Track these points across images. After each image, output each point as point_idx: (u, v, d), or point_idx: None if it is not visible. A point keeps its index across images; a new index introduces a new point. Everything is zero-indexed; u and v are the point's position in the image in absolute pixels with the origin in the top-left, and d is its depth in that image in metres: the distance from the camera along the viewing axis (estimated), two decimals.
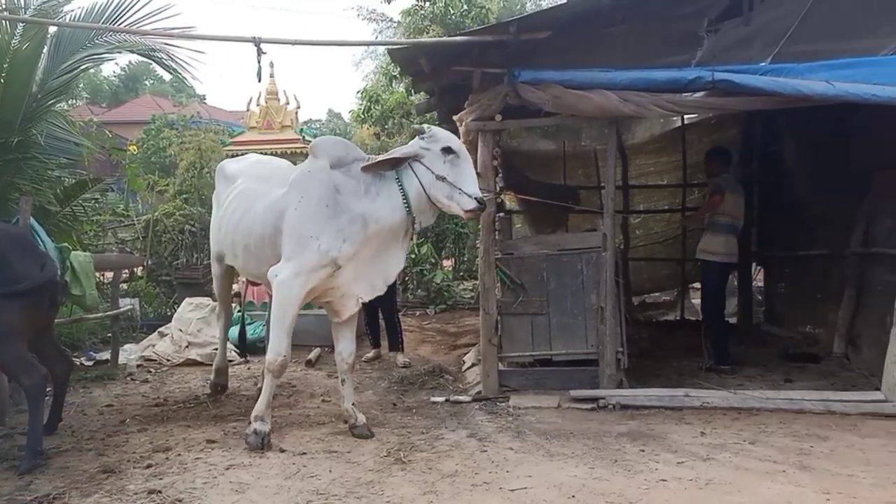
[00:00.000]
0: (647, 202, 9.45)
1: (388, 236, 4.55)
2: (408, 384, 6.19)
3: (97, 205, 8.53)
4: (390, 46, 6.15)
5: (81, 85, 26.53)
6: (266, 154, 7.26)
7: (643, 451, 4.27)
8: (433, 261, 11.36)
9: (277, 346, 4.46)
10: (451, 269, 12.58)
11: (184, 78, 6.87)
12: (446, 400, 5.57)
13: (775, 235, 8.40)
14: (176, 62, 6.45)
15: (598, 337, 5.53)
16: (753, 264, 8.91)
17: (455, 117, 5.88)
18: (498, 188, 5.76)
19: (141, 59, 12.75)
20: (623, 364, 5.56)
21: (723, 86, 4.97)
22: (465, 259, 12.64)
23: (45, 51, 6.15)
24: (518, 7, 17.26)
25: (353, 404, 4.79)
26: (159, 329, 7.89)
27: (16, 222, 4.84)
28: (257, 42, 4.85)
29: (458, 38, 5.41)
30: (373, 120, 14.01)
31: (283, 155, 8.68)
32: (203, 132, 12.87)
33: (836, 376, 6.05)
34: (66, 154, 6.79)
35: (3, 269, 4.07)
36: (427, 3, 13.67)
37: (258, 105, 10.31)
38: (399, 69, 9.26)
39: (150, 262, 9.76)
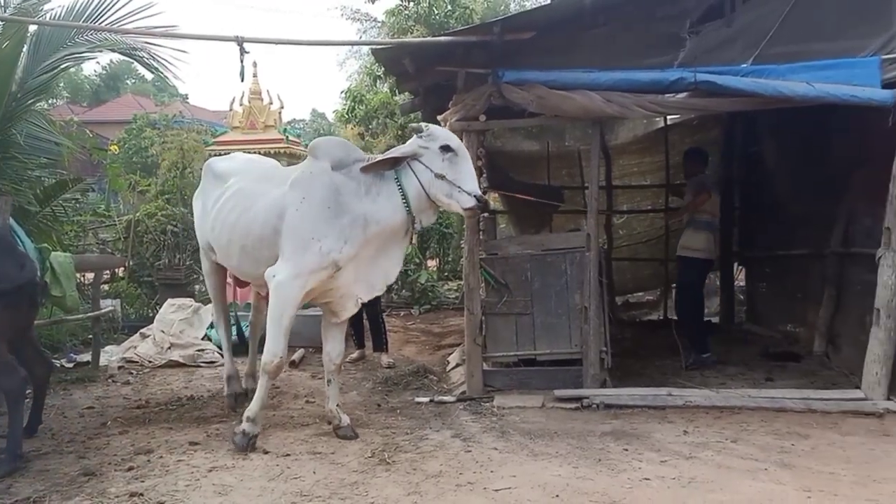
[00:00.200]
0: (631, 202, 9.52)
1: (389, 236, 4.53)
2: (392, 385, 6.18)
3: (78, 205, 8.47)
4: (374, 46, 6.14)
5: (62, 84, 26.30)
6: (250, 154, 7.21)
7: (627, 450, 4.30)
8: (418, 261, 11.37)
9: (274, 348, 4.41)
10: (435, 269, 12.58)
11: (166, 77, 6.84)
12: (431, 400, 5.57)
13: (757, 235, 8.49)
14: (158, 61, 6.42)
15: (582, 337, 5.55)
16: (735, 264, 8.98)
17: (439, 117, 5.88)
18: (482, 188, 5.76)
19: (122, 58, 12.65)
20: (607, 364, 5.59)
21: (705, 87, 5.01)
22: (450, 259, 12.65)
23: (24, 49, 6.10)
24: (502, 8, 17.29)
25: (337, 405, 4.78)
26: (141, 330, 7.83)
27: None
28: (240, 41, 4.82)
29: (442, 39, 5.41)
30: (357, 120, 13.99)
31: (266, 155, 8.63)
32: (185, 132, 12.78)
33: (816, 375, 6.11)
34: (47, 154, 6.73)
35: None
36: (411, 4, 13.68)
37: (241, 105, 10.26)
38: (383, 69, 9.27)
39: (131, 263, 9.69)
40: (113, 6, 6.11)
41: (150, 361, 7.16)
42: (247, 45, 4.85)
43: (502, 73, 5.29)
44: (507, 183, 7.80)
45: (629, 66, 5.22)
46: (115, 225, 10.19)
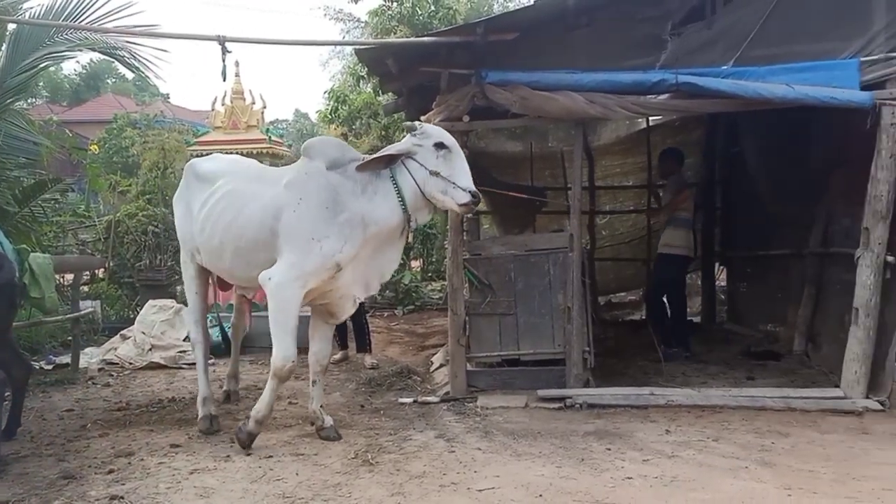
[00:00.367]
0: (613, 203, 9.58)
1: (386, 236, 4.51)
2: (376, 385, 6.17)
3: (57, 205, 8.40)
4: (357, 47, 6.13)
5: (41, 83, 25.95)
6: (230, 154, 7.15)
7: (609, 449, 4.32)
8: (401, 261, 11.33)
9: (284, 351, 4.37)
10: (419, 269, 12.57)
11: (147, 76, 6.81)
12: (414, 401, 5.56)
13: (738, 235, 8.57)
14: (138, 60, 6.38)
15: (565, 337, 5.57)
16: (717, 264, 9.06)
17: (423, 118, 5.87)
18: None
19: (103, 57, 12.54)
20: (590, 363, 5.61)
21: (686, 88, 5.04)
22: (434, 260, 12.64)
23: (3, 48, 6.03)
24: (485, 8, 17.29)
25: (321, 406, 4.76)
26: (121, 332, 7.76)
27: None
28: (222, 41, 4.79)
29: (425, 39, 5.41)
30: (340, 120, 13.94)
31: (249, 155, 8.57)
32: (167, 132, 12.68)
33: (796, 373, 6.17)
34: (25, 154, 6.67)
35: None
36: (394, 4, 13.64)
37: (223, 105, 10.19)
38: (366, 69, 9.24)
39: (111, 264, 9.61)
40: (93, 5, 6.07)
41: (130, 363, 7.10)
42: (229, 45, 4.84)
43: (486, 73, 5.30)
44: (491, 183, 7.81)
45: (612, 67, 5.24)
46: (95, 225, 10.10)
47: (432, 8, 13.51)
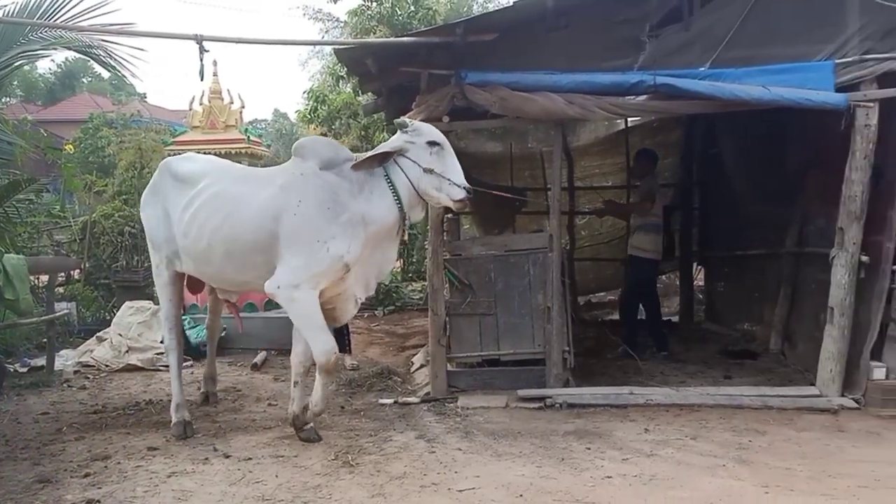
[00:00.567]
0: (593, 203, 9.60)
1: (384, 235, 4.50)
2: (356, 386, 6.15)
3: (31, 206, 8.27)
4: (337, 46, 6.09)
5: (15, 82, 25.61)
6: (209, 154, 7.09)
7: (589, 448, 4.34)
8: None
9: (322, 346, 4.36)
10: (399, 270, 12.55)
11: (123, 75, 6.73)
12: (395, 402, 5.55)
13: (715, 235, 8.64)
14: (115, 59, 6.31)
15: (545, 337, 5.59)
16: (694, 264, 9.14)
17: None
18: None
19: (78, 56, 12.38)
20: (569, 363, 5.64)
21: (664, 89, 5.08)
22: (414, 260, 12.63)
23: None
24: (465, 9, 17.30)
25: (303, 408, 4.73)
26: (98, 334, 7.67)
27: None
28: (199, 40, 4.74)
29: (405, 39, 5.40)
30: (320, 120, 13.86)
31: (227, 155, 8.51)
32: (144, 131, 12.56)
33: (773, 372, 6.24)
34: None
35: None
36: (374, 4, 13.60)
37: (201, 104, 10.10)
38: (346, 69, 9.21)
39: (87, 265, 9.48)
40: (68, 3, 5.99)
41: (107, 365, 7.02)
42: (206, 44, 4.78)
43: (465, 74, 5.31)
44: (474, 183, 7.82)
45: (591, 68, 5.27)
46: (71, 226, 9.96)
47: (412, 8, 13.49)
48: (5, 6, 6.36)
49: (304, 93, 14.94)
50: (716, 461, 4.09)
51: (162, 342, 7.29)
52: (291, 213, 4.32)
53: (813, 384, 5.30)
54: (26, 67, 22.48)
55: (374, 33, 12.98)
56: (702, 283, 9.46)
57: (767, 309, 7.19)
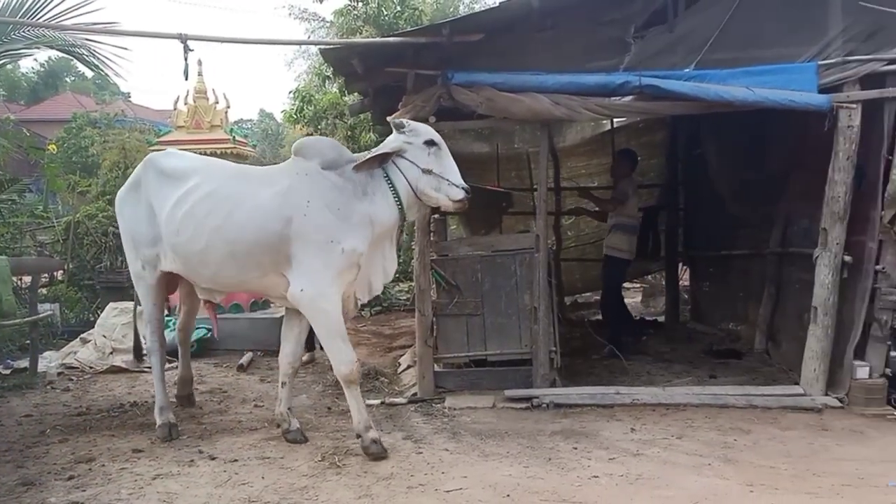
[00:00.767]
0: (579, 204, 9.63)
1: (385, 235, 4.48)
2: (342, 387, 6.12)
3: (14, 206, 8.21)
4: (323, 46, 6.07)
5: None
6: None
7: (576, 448, 4.35)
8: None
9: (344, 356, 4.30)
10: None
11: (106, 75, 6.68)
12: (382, 402, 5.55)
13: (700, 236, 8.69)
14: (98, 58, 6.27)
15: (532, 337, 5.61)
16: (680, 264, 9.18)
17: (389, 119, 5.85)
18: None
19: (61, 55, 12.29)
20: (556, 363, 5.65)
21: (649, 91, 5.10)
22: (401, 260, 12.54)
23: None
24: (451, 9, 17.32)
25: (288, 409, 4.71)
26: (81, 335, 7.61)
27: None
28: (184, 39, 4.71)
29: (391, 39, 5.39)
30: (306, 120, 13.82)
31: (212, 155, 8.47)
32: (128, 131, 12.49)
33: (757, 371, 6.28)
34: None
35: None
36: (360, 4, 13.57)
37: (186, 104, 10.04)
38: (332, 70, 9.17)
39: (71, 266, 9.40)
40: (51, 1, 5.94)
41: (91, 367, 6.96)
42: (191, 43, 4.75)
43: (452, 74, 5.31)
44: None
45: (576, 69, 5.29)
46: (54, 227, 9.88)
47: (398, 8, 13.48)
48: None
49: (290, 93, 14.89)
50: (701, 460, 4.11)
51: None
52: (301, 214, 4.25)
53: (797, 383, 5.34)
54: (9, 67, 22.27)
55: (361, 33, 12.96)
56: (687, 282, 9.51)
57: (752, 309, 7.25)
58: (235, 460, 4.23)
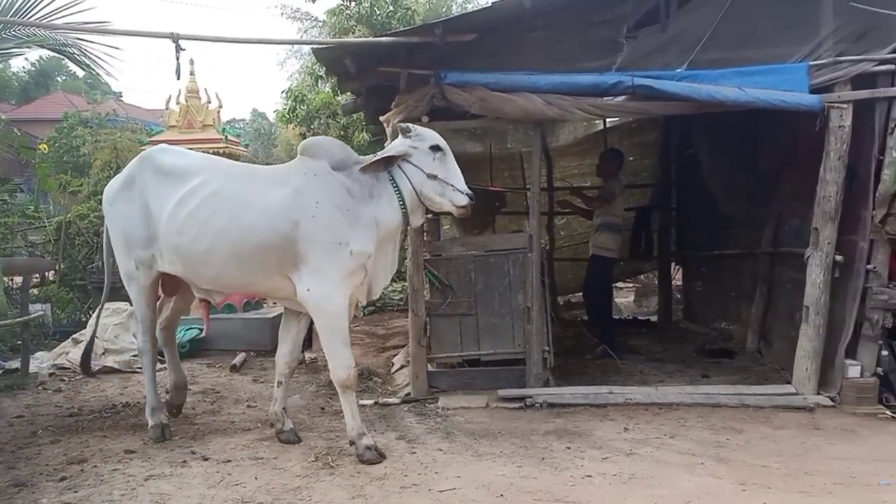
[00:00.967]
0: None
1: (388, 238, 4.47)
2: (335, 387, 6.11)
3: (5, 206, 8.16)
4: (315, 46, 6.06)
5: None
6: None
7: (569, 448, 4.36)
8: None
9: (343, 361, 4.27)
10: None
11: (98, 74, 6.65)
12: (375, 402, 5.55)
13: (693, 235, 8.72)
14: (89, 58, 6.24)
15: (525, 336, 5.61)
16: (673, 263, 9.21)
17: (382, 118, 5.86)
18: None
19: (53, 54, 12.23)
20: (549, 363, 5.66)
21: (642, 91, 5.11)
22: None
23: None
24: (444, 9, 17.31)
25: (283, 409, 4.70)
26: (73, 336, 7.57)
27: None
28: (175, 38, 4.69)
29: (384, 39, 5.38)
30: (298, 120, 13.80)
31: None
32: (119, 131, 12.43)
33: (749, 371, 6.31)
34: None
35: None
36: (352, 4, 13.57)
37: (178, 103, 10.03)
38: (324, 69, 9.17)
39: (62, 266, 9.36)
40: (42, 0, 5.91)
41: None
42: (183, 43, 4.73)
43: (444, 74, 5.31)
44: None
45: (569, 69, 5.29)
46: (45, 227, 9.82)
47: (391, 8, 13.48)
48: None
49: (282, 92, 14.87)
50: (694, 459, 4.12)
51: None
52: (310, 215, 4.21)
53: (789, 382, 5.37)
54: None
55: (353, 33, 12.96)
56: (680, 282, 9.53)
57: (744, 308, 7.27)
58: (228, 461, 4.22)
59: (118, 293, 8.81)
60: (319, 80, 13.92)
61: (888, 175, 4.94)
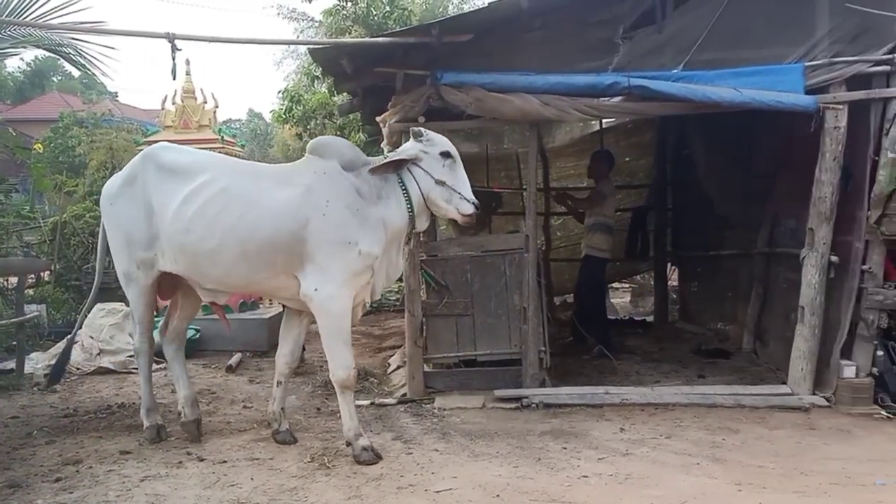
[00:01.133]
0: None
1: (394, 240, 4.46)
2: (332, 388, 6.06)
3: (0, 207, 8.13)
4: (312, 46, 6.05)
5: None
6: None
7: (565, 448, 4.36)
8: None
9: (343, 361, 4.26)
10: None
11: (93, 74, 6.65)
12: (371, 403, 5.54)
13: (689, 236, 8.74)
14: (85, 58, 6.24)
15: (521, 337, 5.61)
16: (669, 264, 9.23)
17: (378, 119, 5.86)
18: None
19: (48, 54, 12.22)
20: (545, 363, 5.66)
21: (638, 91, 5.12)
22: None
23: None
24: (440, 9, 17.31)
25: (282, 408, 4.69)
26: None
27: None
28: (171, 38, 4.68)
29: (380, 39, 5.38)
30: (294, 120, 13.78)
31: None
32: (115, 131, 12.40)
33: (745, 371, 6.32)
34: None
35: None
36: (349, 4, 13.55)
37: (174, 104, 9.99)
38: (321, 69, 9.16)
39: (57, 267, 9.33)
40: (38, 0, 5.91)
41: (78, 368, 6.91)
42: (179, 43, 4.72)
43: (441, 74, 5.31)
44: None
45: (565, 69, 5.30)
46: (41, 227, 9.80)
47: (387, 8, 13.46)
48: None
49: (278, 93, 14.85)
50: (690, 460, 4.13)
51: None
52: (321, 214, 4.19)
53: (784, 383, 5.38)
54: None
55: (350, 33, 12.94)
56: (676, 282, 9.55)
57: (740, 308, 7.29)
58: (224, 461, 4.21)
59: (113, 294, 8.86)
60: (316, 81, 13.89)
61: (883, 176, 4.95)
